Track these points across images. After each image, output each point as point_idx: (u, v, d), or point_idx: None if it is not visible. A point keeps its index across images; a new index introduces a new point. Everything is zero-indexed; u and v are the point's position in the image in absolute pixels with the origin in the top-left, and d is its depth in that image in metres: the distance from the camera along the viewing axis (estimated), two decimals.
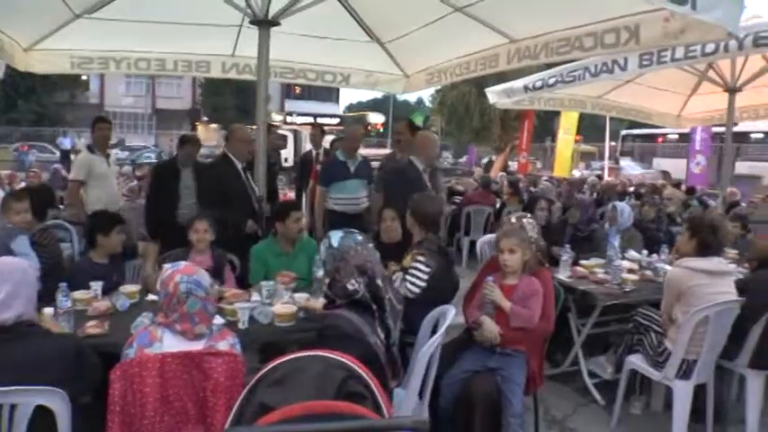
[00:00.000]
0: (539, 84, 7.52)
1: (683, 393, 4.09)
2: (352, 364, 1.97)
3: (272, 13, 5.21)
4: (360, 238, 3.02)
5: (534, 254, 3.96)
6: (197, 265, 4.29)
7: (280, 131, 25.03)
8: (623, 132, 30.90)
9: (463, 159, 29.29)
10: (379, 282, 2.92)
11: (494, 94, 8.53)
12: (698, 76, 8.48)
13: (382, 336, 2.86)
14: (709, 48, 5.53)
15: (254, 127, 5.67)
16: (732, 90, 8.13)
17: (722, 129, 20.20)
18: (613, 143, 36.47)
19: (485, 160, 24.78)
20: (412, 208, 4.30)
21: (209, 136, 40.17)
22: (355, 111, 61.88)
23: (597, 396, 4.84)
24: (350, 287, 2.83)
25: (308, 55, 7.54)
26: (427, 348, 3.05)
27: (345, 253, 2.92)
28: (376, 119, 41.40)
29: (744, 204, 10.87)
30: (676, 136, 28.10)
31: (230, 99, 37.84)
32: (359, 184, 6.31)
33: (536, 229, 4.07)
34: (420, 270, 3.99)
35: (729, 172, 9.21)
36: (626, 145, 31.82)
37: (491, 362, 3.72)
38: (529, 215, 4.18)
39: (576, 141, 32.73)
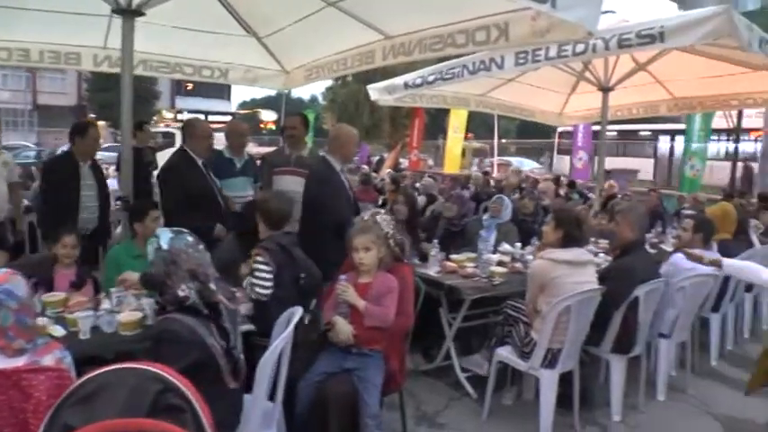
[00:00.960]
0: (419, 81, 7.50)
1: (548, 382, 4.20)
2: (168, 376, 1.83)
3: (136, 1, 4.94)
4: (190, 239, 2.86)
5: (391, 249, 3.92)
6: (60, 279, 4.13)
7: (169, 129, 24.40)
8: (560, 129, 31.20)
9: (356, 157, 29.30)
10: (212, 285, 2.79)
11: (375, 91, 8.47)
12: (576, 75, 8.72)
13: (221, 340, 2.73)
14: (580, 48, 5.67)
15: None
16: (605, 89, 8.45)
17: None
18: (504, 140, 37.65)
19: (376, 158, 24.86)
20: (257, 205, 4.19)
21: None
22: (248, 108, 60.95)
23: (470, 389, 4.89)
24: (180, 294, 2.69)
25: (185, 49, 7.22)
26: (271, 351, 2.94)
27: (176, 256, 2.76)
28: (268, 116, 40.84)
29: (620, 197, 11.36)
30: (614, 134, 28.78)
31: (119, 95, 36.16)
32: (246, 182, 6.08)
33: (392, 225, 4.02)
34: (262, 270, 3.83)
35: (603, 166, 9.48)
36: (563, 142, 32.25)
37: (347, 363, 3.66)
38: (383, 211, 4.12)
39: (467, 139, 33.48)
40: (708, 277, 5.02)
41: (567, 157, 30.09)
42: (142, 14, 5.00)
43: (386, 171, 17.22)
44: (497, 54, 6.28)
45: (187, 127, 5.42)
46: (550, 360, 4.19)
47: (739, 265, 4.22)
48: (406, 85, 7.77)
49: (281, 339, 3.01)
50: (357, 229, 3.82)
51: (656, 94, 9.66)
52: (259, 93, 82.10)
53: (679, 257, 5.11)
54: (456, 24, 5.07)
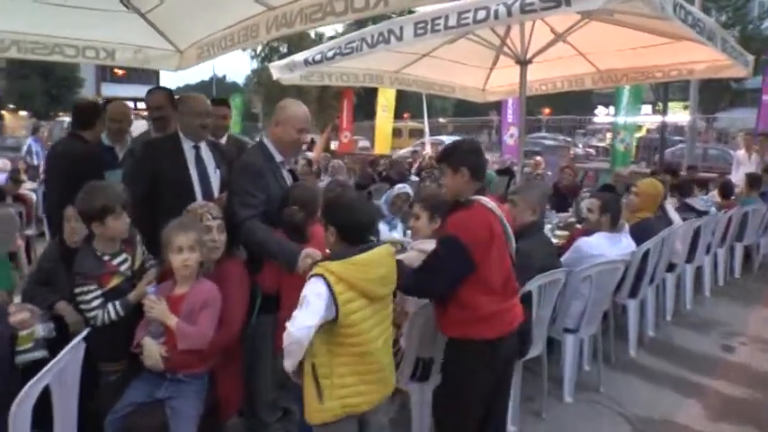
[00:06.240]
0: (318, 57, 6.94)
1: (419, 398, 3.66)
2: None
3: None
4: None
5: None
6: None
7: None
8: None
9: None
10: None
11: (276, 70, 7.92)
12: (492, 49, 8.34)
13: None
14: (481, 14, 5.24)
15: None
16: (523, 62, 8.09)
17: None
18: (441, 119, 37.35)
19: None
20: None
21: (19, 125, 36.95)
22: (184, 93, 59.57)
23: None
24: None
25: (62, 28, 6.55)
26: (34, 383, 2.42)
27: None
28: None
29: (550, 173, 11.07)
30: None
31: (38, 83, 34.67)
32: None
33: (221, 216, 3.54)
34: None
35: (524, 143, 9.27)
36: None
37: (159, 391, 3.15)
38: (211, 204, 3.62)
39: (404, 119, 33.14)
40: (617, 263, 4.62)
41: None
42: None
43: (320, 154, 16.63)
44: (396, 25, 5.87)
45: (178, 101, 4.65)
46: (422, 372, 3.67)
47: None
48: (306, 62, 7.22)
49: (56, 362, 2.53)
50: (177, 226, 3.25)
51: (581, 68, 9.41)
52: (192, 77, 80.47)
53: (584, 242, 4.66)
54: None
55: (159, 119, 5.16)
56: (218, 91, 47.81)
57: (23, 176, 10.75)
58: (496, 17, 5.21)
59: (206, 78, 52.88)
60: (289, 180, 4.09)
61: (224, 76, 73.09)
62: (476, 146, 3.53)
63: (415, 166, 14.29)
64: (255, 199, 3.69)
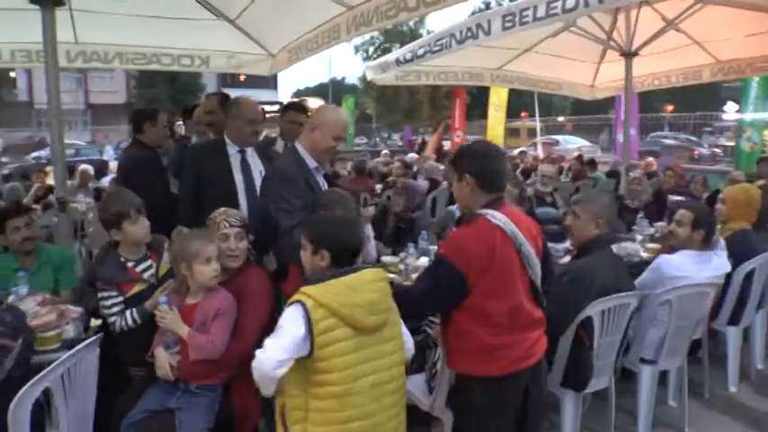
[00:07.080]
0: (409, 56, 6.90)
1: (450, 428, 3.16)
2: None
3: None
4: None
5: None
6: None
7: None
8: None
9: (399, 142, 28.75)
10: None
11: (371, 71, 7.97)
12: (600, 42, 7.87)
13: None
14: (570, 3, 4.95)
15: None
16: (628, 54, 7.59)
17: None
18: (561, 118, 36.26)
19: (417, 139, 24.20)
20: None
21: None
22: (302, 96, 61.34)
23: None
24: None
25: (158, 39, 6.83)
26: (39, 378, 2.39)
27: None
28: (315, 104, 40.70)
29: (661, 175, 10.31)
30: None
31: (164, 90, 36.61)
32: None
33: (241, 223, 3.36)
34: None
35: (630, 142, 8.62)
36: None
37: (171, 401, 3.03)
38: (232, 211, 3.43)
39: (522, 118, 32.44)
40: (704, 287, 3.95)
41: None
42: (62, 4, 4.63)
43: (431, 153, 16.44)
44: (483, 19, 5.74)
45: (229, 105, 4.46)
46: None
47: None
48: (398, 61, 7.23)
49: (56, 366, 2.49)
50: (200, 237, 3.12)
51: (697, 58, 8.69)
52: (311, 80, 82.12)
53: (664, 261, 4.04)
54: None
55: (212, 123, 5.09)
56: (335, 92, 48.65)
57: None
58: (587, 5, 4.89)
59: (324, 81, 53.91)
60: (323, 186, 3.73)
61: (343, 78, 74.10)
62: (486, 150, 2.97)
63: (521, 167, 13.70)
64: (293, 206, 3.40)
